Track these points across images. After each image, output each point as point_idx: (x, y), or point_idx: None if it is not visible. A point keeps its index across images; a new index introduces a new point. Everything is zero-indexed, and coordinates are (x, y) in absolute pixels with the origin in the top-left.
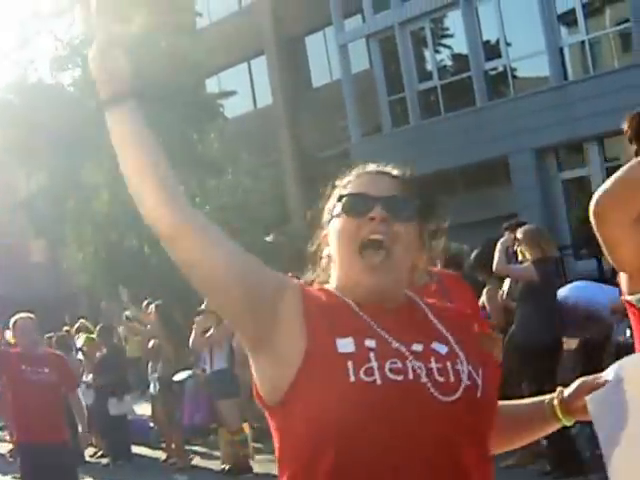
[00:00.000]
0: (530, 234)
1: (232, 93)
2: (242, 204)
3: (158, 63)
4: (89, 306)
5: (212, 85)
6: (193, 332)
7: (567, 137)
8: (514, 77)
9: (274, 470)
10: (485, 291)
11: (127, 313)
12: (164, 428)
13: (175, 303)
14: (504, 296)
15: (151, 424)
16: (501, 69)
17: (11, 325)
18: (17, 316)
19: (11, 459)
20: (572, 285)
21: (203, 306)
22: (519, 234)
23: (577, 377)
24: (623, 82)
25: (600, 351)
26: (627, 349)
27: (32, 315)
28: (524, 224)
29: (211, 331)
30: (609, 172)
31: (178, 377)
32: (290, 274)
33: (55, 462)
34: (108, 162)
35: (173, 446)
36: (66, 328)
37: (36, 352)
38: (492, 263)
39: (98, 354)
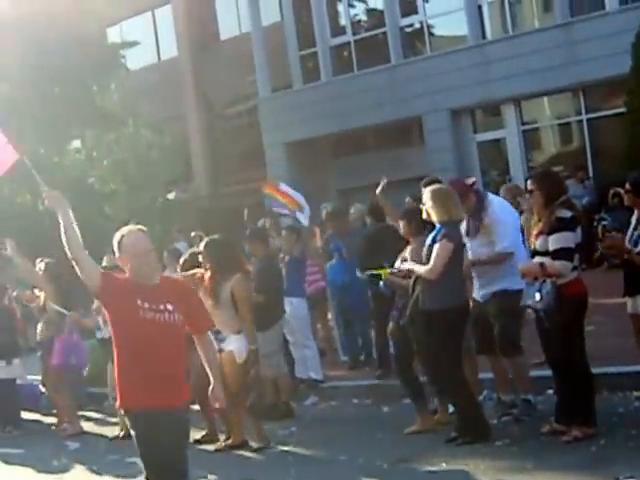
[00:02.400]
0: (438, 195)
1: (135, 44)
2: (143, 159)
3: (57, 10)
4: None
5: (114, 35)
6: None
7: (483, 98)
8: (431, 34)
9: None
10: (409, 250)
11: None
12: (52, 393)
13: (67, 261)
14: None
15: (42, 389)
16: (417, 26)
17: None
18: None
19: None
20: None
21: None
22: (427, 194)
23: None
24: (542, 43)
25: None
26: (538, 312)
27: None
28: (440, 182)
29: None
30: (525, 134)
31: None
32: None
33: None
34: None
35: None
36: None
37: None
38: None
39: None
